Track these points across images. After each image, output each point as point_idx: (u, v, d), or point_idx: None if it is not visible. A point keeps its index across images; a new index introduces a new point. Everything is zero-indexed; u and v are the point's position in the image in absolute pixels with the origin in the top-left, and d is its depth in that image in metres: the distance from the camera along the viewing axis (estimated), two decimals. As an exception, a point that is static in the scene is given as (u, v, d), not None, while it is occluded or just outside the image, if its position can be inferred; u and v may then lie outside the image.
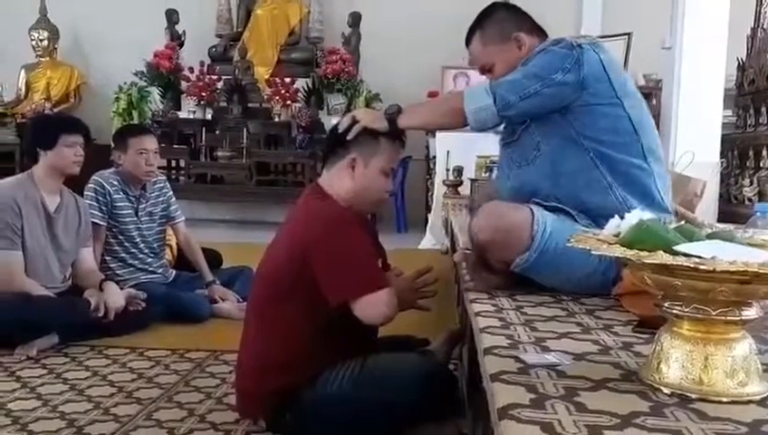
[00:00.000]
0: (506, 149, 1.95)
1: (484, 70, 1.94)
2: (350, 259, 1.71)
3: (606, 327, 1.45)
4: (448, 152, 5.57)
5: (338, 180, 1.83)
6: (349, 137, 1.81)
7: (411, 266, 1.97)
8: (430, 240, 5.73)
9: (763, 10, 5.16)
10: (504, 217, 1.74)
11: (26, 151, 2.88)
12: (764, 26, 5.17)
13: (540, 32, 1.94)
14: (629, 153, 1.78)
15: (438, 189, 5.71)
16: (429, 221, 5.90)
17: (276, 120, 7.07)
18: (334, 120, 5.18)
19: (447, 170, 5.55)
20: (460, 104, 1.79)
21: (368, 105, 6.97)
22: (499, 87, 1.77)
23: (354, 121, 1.83)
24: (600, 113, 1.76)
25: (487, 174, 4.91)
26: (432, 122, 1.93)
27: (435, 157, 6.03)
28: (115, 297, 2.81)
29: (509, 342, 1.30)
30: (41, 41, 7.89)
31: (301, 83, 7.30)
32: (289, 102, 7.09)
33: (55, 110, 7.51)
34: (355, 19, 7.58)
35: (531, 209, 1.73)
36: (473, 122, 1.79)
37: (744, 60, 5.29)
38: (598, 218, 1.69)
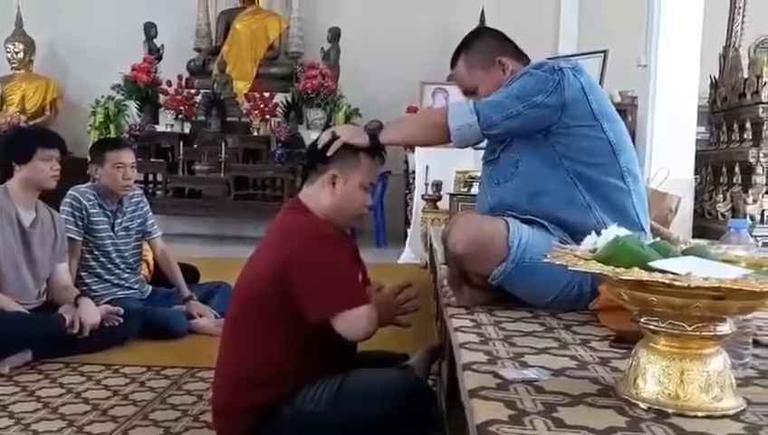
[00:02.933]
0: (487, 167, 1.97)
1: (468, 92, 1.98)
2: (331, 275, 1.70)
3: (583, 342, 1.46)
4: (427, 167, 5.60)
5: (318, 196, 1.83)
6: (329, 153, 1.82)
7: (391, 281, 1.97)
8: (409, 254, 5.74)
9: (734, 29, 5.27)
10: (480, 229, 1.77)
11: (1, 165, 2.83)
12: (736, 45, 5.29)
13: (522, 56, 1.98)
14: (608, 174, 1.81)
15: (418, 204, 5.73)
16: (409, 235, 5.91)
17: (255, 134, 7.06)
18: (314, 135, 5.18)
19: (426, 185, 5.58)
20: (443, 120, 1.81)
21: (347, 120, 6.99)
22: (483, 106, 1.80)
23: (334, 137, 1.84)
24: (580, 135, 1.79)
25: (466, 189, 4.94)
26: (414, 138, 1.94)
27: (414, 172, 6.05)
28: (90, 313, 2.77)
29: (488, 357, 1.31)
30: (16, 53, 7.81)
31: (280, 98, 7.29)
32: (268, 117, 7.08)
33: (30, 123, 7.42)
34: (334, 34, 7.61)
35: (506, 221, 1.76)
36: (456, 139, 1.81)
37: (716, 78, 5.40)
38: (574, 233, 1.72)
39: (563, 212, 1.80)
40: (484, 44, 1.98)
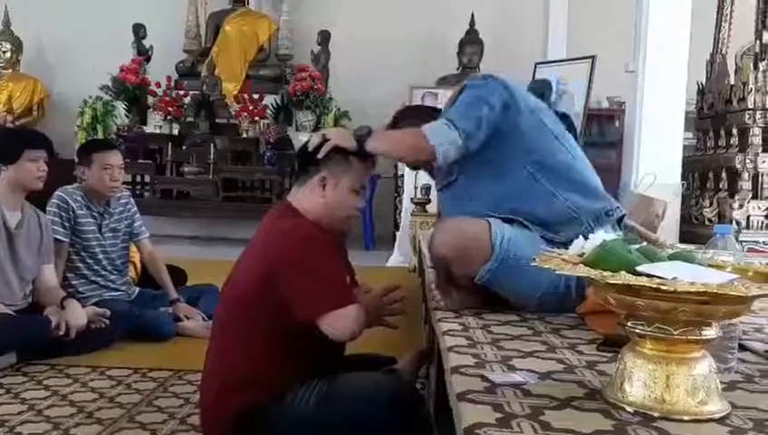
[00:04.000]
0: (447, 191, 2.01)
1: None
2: (318, 276, 1.70)
3: (571, 346, 1.47)
4: (417, 170, 5.59)
5: (308, 198, 1.83)
6: (319, 155, 1.82)
7: (379, 283, 1.97)
8: (398, 257, 5.74)
9: (721, 36, 5.32)
10: (463, 231, 1.80)
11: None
12: (723, 52, 5.34)
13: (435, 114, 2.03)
14: (558, 154, 1.88)
15: (407, 207, 5.73)
16: (397, 238, 5.91)
17: (244, 136, 7.05)
18: (303, 137, 5.15)
19: (416, 188, 5.58)
20: (423, 141, 1.81)
21: (336, 122, 7.00)
22: (455, 121, 1.82)
23: (324, 140, 1.84)
24: (525, 126, 1.87)
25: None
26: (397, 153, 1.95)
27: (403, 175, 6.06)
28: (77, 315, 2.75)
29: (476, 361, 1.31)
30: (3, 52, 7.77)
31: (269, 100, 7.29)
32: (257, 119, 7.07)
33: (17, 123, 7.38)
34: (324, 37, 7.61)
35: (487, 221, 1.80)
36: (441, 155, 1.81)
37: (703, 84, 5.45)
38: (550, 225, 1.81)
39: (532, 206, 1.85)
40: (407, 127, 2.02)
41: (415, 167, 2.14)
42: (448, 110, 1.92)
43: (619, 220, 1.91)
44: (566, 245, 1.76)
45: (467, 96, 1.87)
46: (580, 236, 1.17)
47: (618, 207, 1.90)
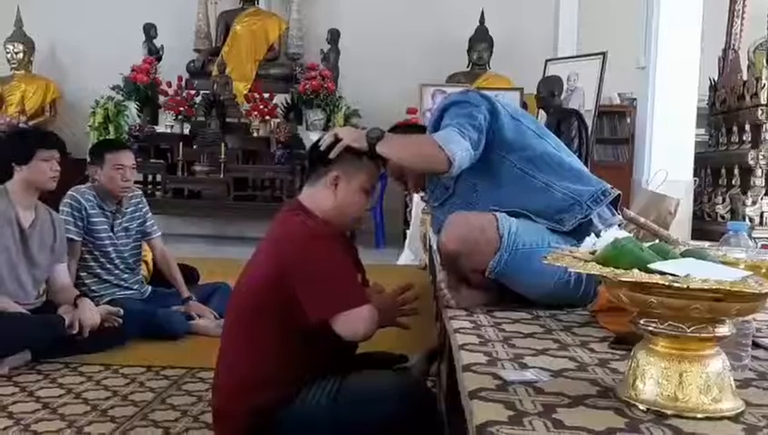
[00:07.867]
0: (444, 206, 2.02)
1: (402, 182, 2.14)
2: (331, 276, 1.71)
3: (583, 344, 1.47)
4: (427, 168, 5.58)
5: (319, 197, 1.83)
6: (331, 156, 1.82)
7: (390, 282, 1.98)
8: (408, 256, 5.74)
9: (733, 32, 5.28)
10: (469, 223, 1.82)
11: (0, 166, 2.83)
12: (735, 47, 5.30)
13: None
14: (543, 148, 1.92)
15: (417, 205, 5.73)
16: (408, 237, 5.91)
17: (255, 135, 7.06)
18: (313, 136, 5.16)
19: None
20: (437, 150, 1.80)
21: (346, 120, 7.00)
22: (461, 129, 1.83)
23: (336, 140, 1.84)
24: (508, 128, 1.91)
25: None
26: (406, 160, 1.94)
27: (413, 173, 6.04)
28: (90, 314, 2.77)
29: (487, 359, 1.31)
30: (16, 53, 7.81)
31: (279, 99, 7.30)
32: (267, 118, 7.08)
33: (30, 123, 7.42)
34: (334, 36, 7.62)
35: (494, 214, 1.81)
36: (458, 162, 1.80)
37: (715, 80, 5.41)
38: (553, 215, 1.83)
39: (530, 201, 1.86)
40: None
41: (401, 178, 2.12)
42: (445, 122, 1.91)
43: (615, 202, 1.91)
44: (571, 233, 1.79)
45: (458, 109, 1.90)
46: (592, 234, 1.16)
47: (612, 188, 1.91)
